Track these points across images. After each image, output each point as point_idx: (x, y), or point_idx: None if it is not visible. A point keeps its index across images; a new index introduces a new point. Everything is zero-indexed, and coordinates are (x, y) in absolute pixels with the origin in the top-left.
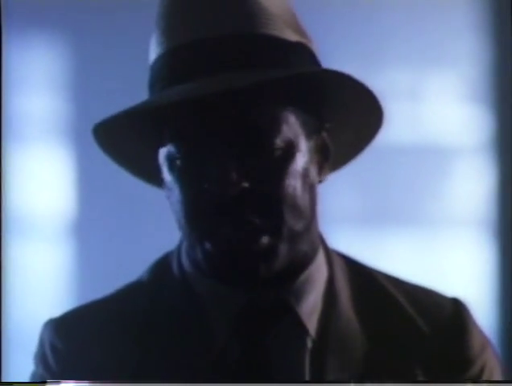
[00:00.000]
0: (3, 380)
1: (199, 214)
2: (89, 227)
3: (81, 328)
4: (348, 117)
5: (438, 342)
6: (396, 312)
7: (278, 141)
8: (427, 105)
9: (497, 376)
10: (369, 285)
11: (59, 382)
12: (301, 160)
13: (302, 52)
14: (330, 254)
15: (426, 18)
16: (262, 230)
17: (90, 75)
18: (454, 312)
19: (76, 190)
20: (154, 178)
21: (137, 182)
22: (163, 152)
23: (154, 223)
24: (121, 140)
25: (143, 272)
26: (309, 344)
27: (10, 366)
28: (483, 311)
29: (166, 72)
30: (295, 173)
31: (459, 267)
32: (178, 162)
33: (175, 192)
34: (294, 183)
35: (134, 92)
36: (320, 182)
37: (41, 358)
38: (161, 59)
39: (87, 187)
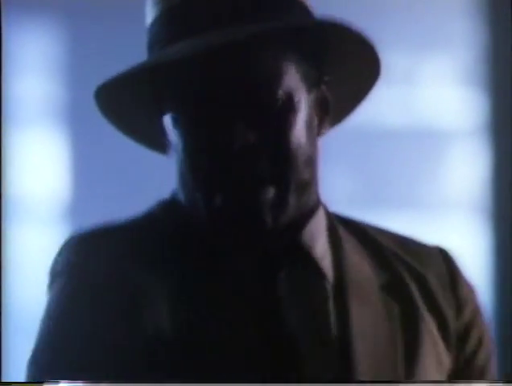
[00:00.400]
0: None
1: (205, 167)
2: (85, 210)
3: (100, 249)
4: (346, 69)
5: (436, 284)
6: (393, 259)
7: (281, 93)
8: (422, 89)
9: (485, 323)
10: (365, 239)
11: (57, 382)
12: (303, 112)
13: (299, 7)
14: (325, 206)
15: (421, 1)
16: (269, 182)
17: (86, 59)
18: (443, 258)
19: (71, 173)
20: (157, 143)
21: (132, 166)
22: (166, 108)
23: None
24: (123, 102)
25: (151, 208)
26: (328, 288)
27: (10, 351)
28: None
29: (164, 32)
30: (298, 124)
31: (453, 250)
32: (182, 118)
33: (181, 149)
34: (298, 134)
35: None
36: (320, 135)
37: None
38: (158, 20)
39: (82, 170)
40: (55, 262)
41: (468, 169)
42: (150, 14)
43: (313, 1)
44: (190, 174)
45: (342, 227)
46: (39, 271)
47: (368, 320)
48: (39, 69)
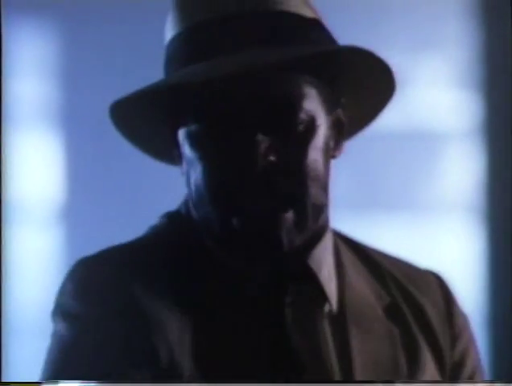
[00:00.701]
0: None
1: (225, 189)
2: (81, 212)
3: (114, 270)
4: (362, 92)
5: (433, 315)
6: (393, 285)
7: (303, 116)
8: (417, 91)
9: (478, 351)
10: (366, 261)
11: (56, 382)
12: (322, 135)
13: (319, 28)
14: (331, 229)
15: (415, 2)
16: (289, 205)
17: (83, 63)
18: (439, 284)
19: (67, 175)
20: (167, 155)
21: (128, 169)
22: (183, 129)
23: (145, 209)
24: (137, 118)
25: (158, 224)
26: (330, 312)
27: (10, 351)
28: (472, 296)
29: (185, 50)
30: (317, 147)
31: (448, 252)
32: (203, 138)
33: (198, 169)
34: (317, 157)
35: (127, 79)
36: (334, 157)
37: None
38: (181, 35)
39: (77, 173)
40: (63, 293)
41: (463, 171)
42: (171, 30)
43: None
44: (208, 194)
45: (346, 249)
46: (36, 272)
47: (370, 347)
48: (35, 72)
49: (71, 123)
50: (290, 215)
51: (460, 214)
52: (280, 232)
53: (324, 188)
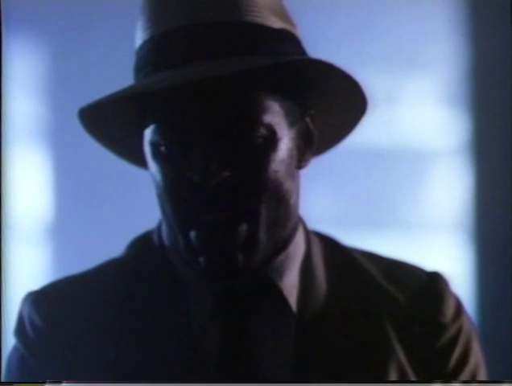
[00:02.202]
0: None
1: (181, 202)
2: (68, 229)
3: (61, 303)
4: (332, 103)
5: (411, 309)
6: (367, 283)
7: (261, 129)
8: (404, 109)
9: (476, 343)
10: (342, 260)
11: (59, 382)
12: (284, 147)
13: (286, 39)
14: (308, 232)
15: (402, 20)
16: (242, 217)
17: (72, 81)
18: (429, 281)
19: (55, 192)
20: (141, 160)
21: (115, 185)
22: (146, 138)
23: (132, 226)
24: (107, 123)
25: (123, 249)
26: (291, 320)
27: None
28: None
29: (151, 58)
30: (277, 160)
31: (435, 269)
32: (161, 148)
33: (158, 178)
34: (275, 171)
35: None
36: (301, 167)
37: (20, 332)
38: (146, 44)
39: (66, 189)
40: (17, 320)
41: (450, 189)
42: (139, 36)
43: (299, 23)
44: (166, 205)
45: (321, 250)
46: (29, 284)
47: (330, 352)
48: (24, 90)
49: (59, 142)
50: (244, 229)
51: (448, 232)
52: (234, 246)
53: (284, 202)
